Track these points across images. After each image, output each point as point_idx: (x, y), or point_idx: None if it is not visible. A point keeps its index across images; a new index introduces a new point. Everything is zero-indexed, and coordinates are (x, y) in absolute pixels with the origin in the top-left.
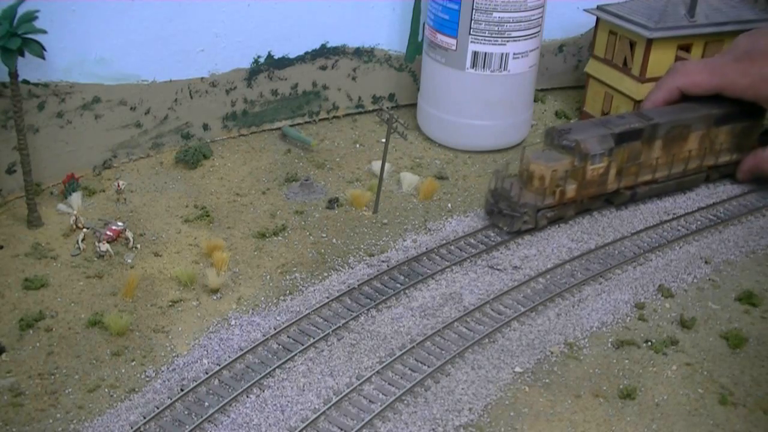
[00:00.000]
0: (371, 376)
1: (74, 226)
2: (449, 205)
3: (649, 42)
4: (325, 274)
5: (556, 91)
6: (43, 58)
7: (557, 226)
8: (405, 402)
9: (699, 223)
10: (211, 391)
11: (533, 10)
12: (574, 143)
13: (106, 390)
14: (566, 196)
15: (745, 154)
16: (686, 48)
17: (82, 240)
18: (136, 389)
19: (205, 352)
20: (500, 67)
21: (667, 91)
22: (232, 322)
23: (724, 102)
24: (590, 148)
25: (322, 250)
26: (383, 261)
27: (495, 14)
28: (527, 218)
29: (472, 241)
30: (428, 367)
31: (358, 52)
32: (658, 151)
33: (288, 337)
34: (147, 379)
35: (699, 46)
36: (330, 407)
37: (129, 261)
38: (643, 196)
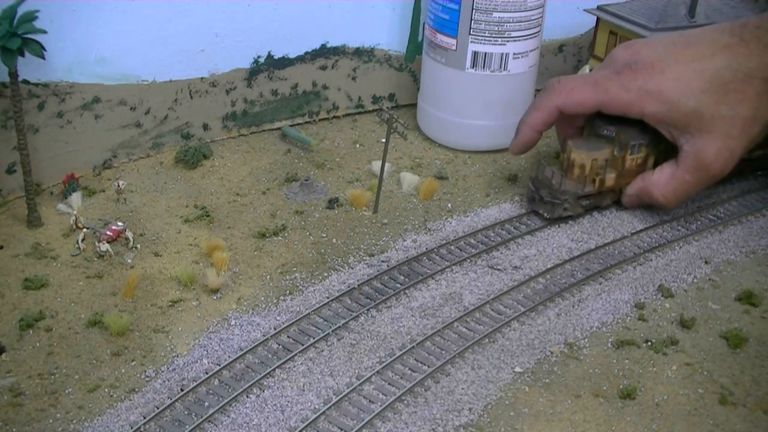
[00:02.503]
0: (371, 376)
1: (74, 226)
2: (449, 205)
3: None
4: (325, 274)
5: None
6: (43, 58)
7: (557, 226)
8: (405, 402)
9: (699, 223)
10: (211, 391)
11: (533, 10)
12: (615, 133)
13: (106, 390)
14: (605, 185)
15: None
16: None
17: (82, 240)
18: (136, 389)
19: (205, 352)
20: (500, 67)
21: (545, 111)
22: (232, 322)
23: None
24: (630, 137)
25: (322, 250)
26: (383, 261)
27: (495, 14)
28: (567, 205)
29: (472, 241)
30: (428, 367)
31: (358, 52)
32: None
33: (288, 337)
34: (147, 379)
35: None
36: (330, 407)
37: (129, 261)
38: None
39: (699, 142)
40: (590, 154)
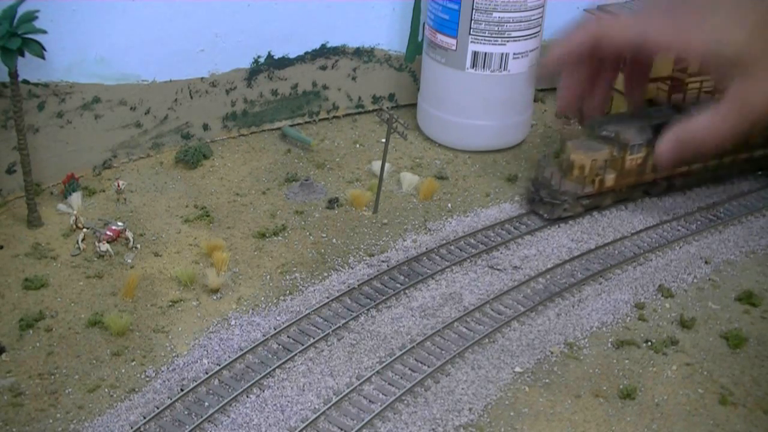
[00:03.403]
0: (371, 376)
1: (74, 226)
2: (449, 205)
3: None
4: (325, 274)
5: (556, 91)
6: (43, 58)
7: (557, 226)
8: (405, 402)
9: (699, 223)
10: (211, 391)
11: (533, 10)
12: (614, 133)
13: (106, 390)
14: (605, 185)
15: (744, 156)
16: None
17: (82, 240)
18: (136, 389)
19: (205, 352)
20: (500, 67)
21: (579, 37)
22: (232, 322)
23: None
24: (629, 138)
25: (322, 250)
26: (383, 261)
27: (495, 14)
28: (567, 206)
29: (472, 241)
30: (428, 367)
31: (358, 52)
32: None
33: (288, 337)
34: (147, 379)
35: None
36: (330, 407)
37: (129, 261)
38: (679, 187)
39: (746, 82)
40: (590, 154)
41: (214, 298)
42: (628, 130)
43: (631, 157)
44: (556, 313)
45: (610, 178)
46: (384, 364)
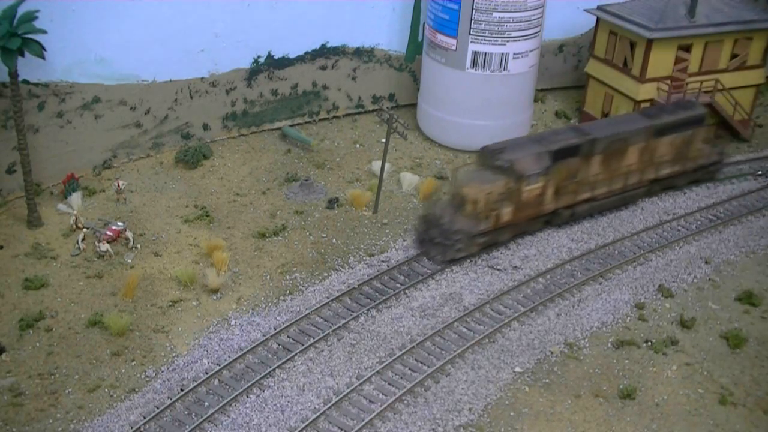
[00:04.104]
0: (371, 376)
1: (74, 226)
2: None
3: (650, 42)
4: (325, 274)
5: (556, 91)
6: (43, 58)
7: (557, 226)
8: (405, 402)
9: (699, 223)
10: (211, 391)
11: (533, 10)
12: (509, 163)
13: (106, 390)
14: (502, 220)
15: (687, 164)
16: (686, 48)
17: (82, 240)
18: (136, 389)
19: (205, 352)
20: (500, 67)
21: None
22: (232, 322)
23: (664, 112)
24: (526, 168)
25: (322, 250)
26: (383, 261)
27: (495, 14)
28: (461, 246)
29: None
30: (428, 367)
31: (358, 52)
32: (597, 167)
33: (288, 337)
34: (147, 379)
35: (699, 46)
36: (330, 407)
37: (129, 261)
38: (582, 215)
39: None
40: (483, 187)
41: (214, 298)
42: (523, 159)
43: (529, 188)
44: (556, 313)
45: (507, 212)
46: (384, 364)
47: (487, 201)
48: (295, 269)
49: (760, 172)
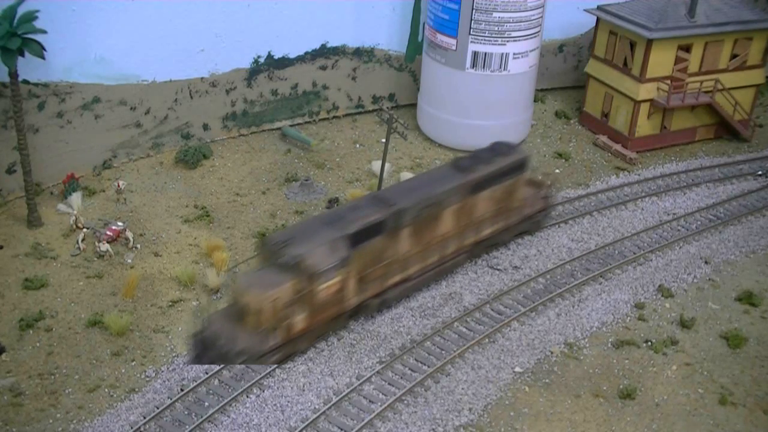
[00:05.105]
0: (371, 376)
1: (74, 226)
2: None
3: (650, 42)
4: None
5: (556, 91)
6: (43, 58)
7: (557, 226)
8: (405, 402)
9: (699, 223)
10: (211, 391)
11: (533, 10)
12: (297, 260)
13: (106, 390)
14: (295, 329)
15: (512, 217)
16: (686, 48)
17: (82, 240)
18: (136, 389)
19: None
20: (500, 67)
21: None
22: None
23: (480, 163)
24: (318, 262)
25: None
26: None
27: (495, 14)
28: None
29: None
30: (428, 367)
31: (358, 52)
32: (407, 242)
33: None
34: (147, 379)
35: (699, 46)
36: (330, 407)
37: (129, 261)
38: (396, 299)
39: None
40: (267, 293)
41: (214, 298)
42: (314, 252)
43: (325, 286)
44: (556, 313)
45: (300, 319)
46: (384, 364)
47: (274, 309)
48: None
49: (760, 172)
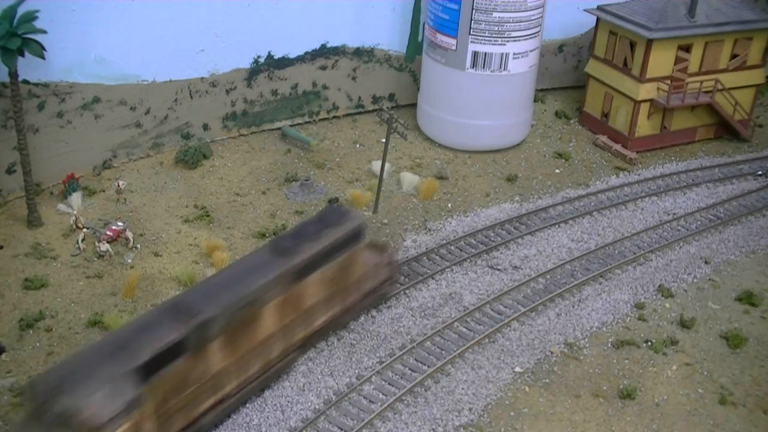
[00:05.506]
0: (371, 376)
1: (74, 226)
2: (449, 205)
3: (650, 42)
4: None
5: (556, 91)
6: (43, 58)
7: (557, 226)
8: (405, 402)
9: (699, 223)
10: None
11: (533, 10)
12: (68, 415)
13: None
14: None
15: (350, 297)
16: (686, 48)
17: (82, 240)
18: None
19: None
20: (500, 67)
21: None
22: None
23: (304, 240)
24: (96, 414)
25: None
26: None
27: (495, 14)
28: None
29: (472, 241)
30: (428, 367)
31: (358, 52)
32: (219, 355)
33: None
34: None
35: (699, 46)
36: (330, 407)
37: (129, 261)
38: (213, 424)
39: None
40: None
41: None
42: (92, 398)
43: None
44: (556, 313)
45: None
46: (384, 364)
47: None
48: None
49: (760, 172)
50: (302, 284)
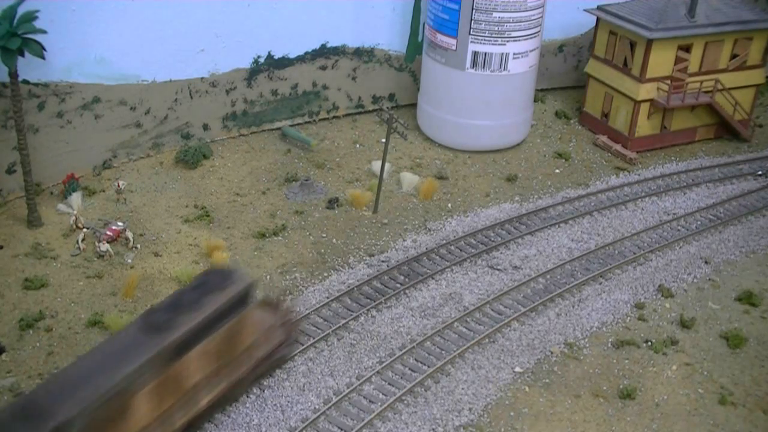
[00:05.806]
0: (371, 376)
1: (74, 226)
2: (449, 205)
3: (650, 42)
4: (325, 274)
5: (556, 91)
6: (43, 58)
7: (557, 226)
8: (405, 402)
9: (699, 223)
10: None
11: (533, 10)
12: None
13: None
14: None
15: (241, 367)
16: (686, 48)
17: (82, 240)
18: None
19: None
20: (500, 67)
21: None
22: None
23: (180, 312)
24: None
25: (322, 250)
26: (383, 261)
27: (495, 14)
28: None
29: (472, 241)
30: (428, 367)
31: (358, 52)
32: None
33: None
34: None
35: (699, 46)
36: (330, 407)
37: (129, 261)
38: None
39: None
40: None
41: None
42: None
43: None
44: (556, 313)
45: None
46: (384, 364)
47: None
48: (294, 269)
49: (760, 172)
50: (181, 363)
